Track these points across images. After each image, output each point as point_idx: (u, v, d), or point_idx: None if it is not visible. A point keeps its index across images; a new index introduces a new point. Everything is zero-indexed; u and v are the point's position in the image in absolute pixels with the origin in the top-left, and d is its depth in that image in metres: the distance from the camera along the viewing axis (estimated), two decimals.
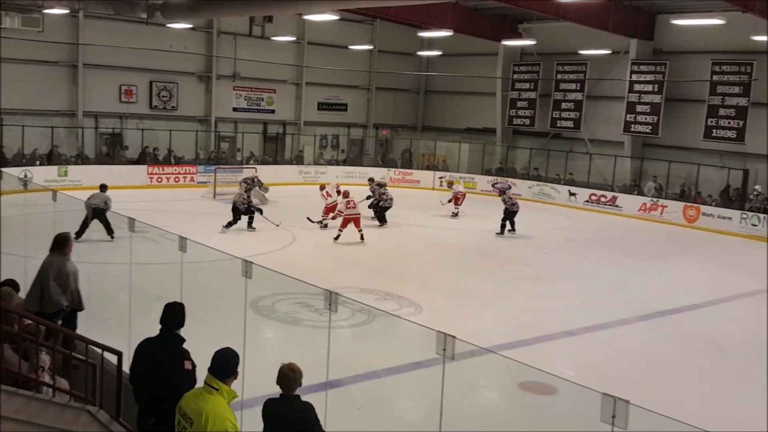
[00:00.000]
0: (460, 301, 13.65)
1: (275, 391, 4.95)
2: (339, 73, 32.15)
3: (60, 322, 7.53)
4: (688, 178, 25.81)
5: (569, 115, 29.64)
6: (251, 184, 23.29)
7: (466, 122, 33.96)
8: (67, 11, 24.23)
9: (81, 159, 26.13)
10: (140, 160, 27.22)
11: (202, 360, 5.11)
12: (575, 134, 29.83)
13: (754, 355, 11.33)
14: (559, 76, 29.84)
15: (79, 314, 8.11)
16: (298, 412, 4.91)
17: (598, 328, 12.38)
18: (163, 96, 28.86)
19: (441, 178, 29.64)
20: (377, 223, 20.81)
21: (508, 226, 20.64)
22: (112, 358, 5.67)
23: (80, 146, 26.58)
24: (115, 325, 8.11)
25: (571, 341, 11.72)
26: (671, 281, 16.41)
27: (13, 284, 7.54)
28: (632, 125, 27.54)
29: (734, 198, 24.49)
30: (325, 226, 19.87)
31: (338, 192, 20.31)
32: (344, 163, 32.64)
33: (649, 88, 26.98)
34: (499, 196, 21.54)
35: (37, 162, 24.72)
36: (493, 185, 29.33)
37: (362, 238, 18.48)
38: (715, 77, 25.23)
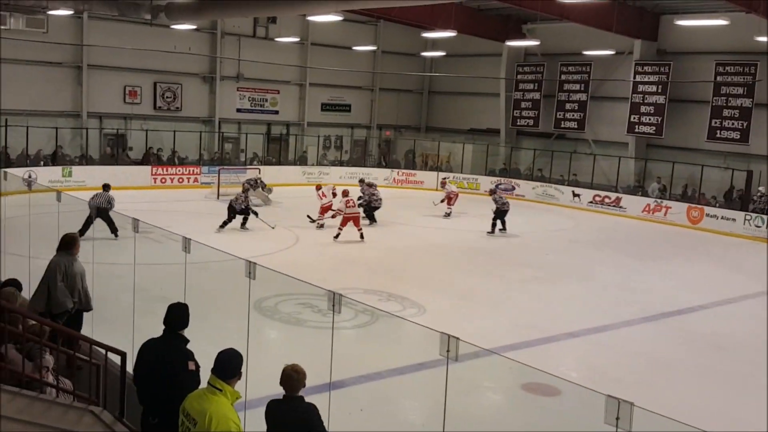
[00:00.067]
0: (463, 302, 13.64)
1: (278, 391, 4.96)
2: (342, 74, 32.17)
3: (61, 323, 7.54)
4: (692, 179, 25.77)
5: (573, 115, 29.62)
6: (254, 185, 23.40)
7: (470, 123, 33.95)
8: (71, 12, 24.31)
9: (85, 160, 26.19)
10: (144, 160, 27.26)
11: (205, 361, 5.11)
12: (579, 135, 29.81)
13: (758, 356, 11.30)
14: (563, 77, 29.82)
15: (84, 315, 8.13)
16: (301, 413, 4.91)
17: (601, 330, 12.37)
18: (167, 97, 28.90)
19: (444, 179, 29.61)
20: (368, 221, 20.99)
21: (499, 225, 20.76)
22: (116, 359, 5.68)
23: (84, 147, 26.64)
24: (118, 325, 8.13)
25: (574, 342, 11.71)
26: (675, 282, 16.39)
27: (15, 284, 7.54)
28: (636, 126, 27.51)
29: (738, 199, 24.44)
30: (322, 225, 20.01)
31: (333, 194, 20.55)
32: (348, 163, 32.65)
33: (653, 88, 26.95)
34: (490, 195, 21.59)
35: (42, 162, 24.77)
36: (496, 186, 29.28)
37: (362, 236, 18.63)
38: (718, 78, 25.20)
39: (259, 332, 10.81)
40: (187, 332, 5.64)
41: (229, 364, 4.80)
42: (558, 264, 17.70)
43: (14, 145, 24.67)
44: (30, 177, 21.00)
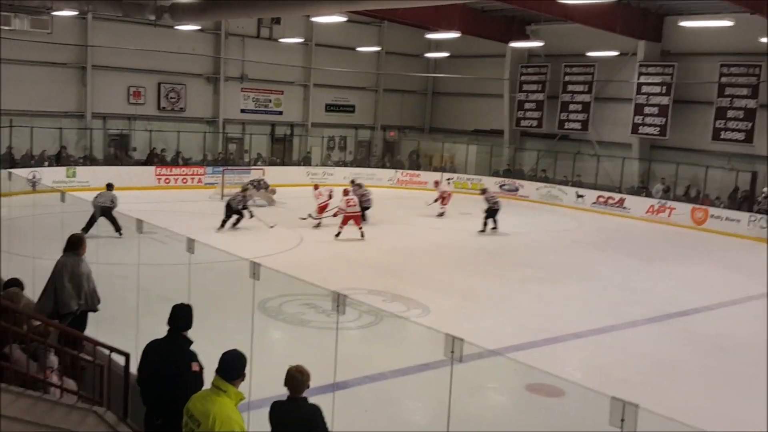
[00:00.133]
0: (466, 302, 13.63)
1: (282, 392, 4.95)
2: (346, 75, 32.18)
3: (65, 323, 7.54)
4: (695, 180, 25.72)
5: (577, 116, 29.59)
6: (258, 186, 23.45)
7: (474, 124, 33.94)
8: (75, 13, 24.33)
9: (89, 160, 26.23)
10: (148, 161, 27.30)
11: (209, 361, 5.11)
12: (583, 136, 29.77)
13: (762, 357, 11.26)
14: (567, 78, 29.79)
15: (88, 315, 8.13)
16: (305, 414, 4.91)
17: (605, 330, 12.35)
18: (171, 97, 28.93)
19: (448, 179, 29.63)
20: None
21: (491, 224, 20.84)
22: (120, 360, 5.68)
23: (89, 147, 26.67)
24: (122, 326, 8.13)
25: (578, 343, 11.69)
26: (678, 283, 16.36)
27: (17, 283, 7.54)
28: (640, 127, 27.47)
29: (742, 200, 24.38)
30: (319, 224, 20.23)
31: (330, 196, 20.73)
32: (352, 164, 32.65)
33: (657, 89, 26.90)
34: (481, 194, 21.62)
35: (46, 163, 24.82)
36: (500, 187, 29.32)
37: (362, 235, 18.84)
38: (723, 79, 25.15)
39: (263, 333, 10.83)
40: (190, 333, 5.64)
41: (233, 365, 4.80)
42: (562, 264, 17.68)
43: (19, 146, 24.73)
44: (34, 177, 21.05)
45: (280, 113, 32.11)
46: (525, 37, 29.78)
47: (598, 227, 24.05)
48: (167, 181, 27.01)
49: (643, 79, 27.26)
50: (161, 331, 5.62)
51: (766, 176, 24.32)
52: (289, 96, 32.22)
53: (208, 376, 4.99)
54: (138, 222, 8.10)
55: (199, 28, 27.61)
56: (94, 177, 23.85)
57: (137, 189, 24.32)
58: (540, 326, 12.22)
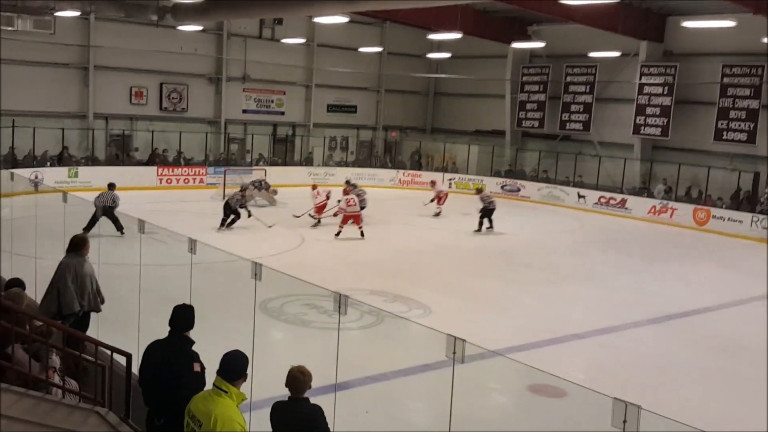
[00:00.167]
0: (468, 303, 13.62)
1: (284, 393, 4.95)
2: (348, 75, 32.20)
3: (68, 324, 7.55)
4: (696, 180, 25.69)
5: (578, 117, 29.57)
6: (259, 186, 23.47)
7: (475, 124, 33.93)
8: (78, 14, 24.35)
9: (91, 160, 26.25)
10: (150, 161, 27.32)
11: (210, 362, 5.11)
12: (584, 136, 29.74)
13: (764, 358, 11.25)
14: (569, 79, 29.78)
15: (90, 315, 8.14)
16: (306, 415, 4.91)
17: (607, 331, 12.34)
18: (173, 98, 28.94)
19: (450, 180, 29.64)
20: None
21: (486, 224, 20.88)
22: (122, 360, 5.68)
23: (90, 148, 26.69)
24: (124, 326, 8.12)
25: (580, 344, 11.68)
26: (681, 284, 16.34)
27: (19, 283, 7.54)
28: (642, 127, 27.44)
29: (744, 201, 24.35)
30: (317, 223, 20.40)
31: (327, 196, 20.80)
32: (353, 164, 32.65)
33: (659, 90, 26.87)
34: (477, 194, 21.64)
35: (48, 163, 24.85)
36: (501, 187, 29.31)
37: (362, 235, 18.93)
38: (725, 79, 25.12)
39: (265, 333, 10.81)
40: (192, 333, 5.64)
41: (234, 366, 4.80)
42: (563, 265, 17.67)
43: (21, 146, 24.75)
44: (36, 178, 21.06)
45: (282, 114, 32.12)
46: (527, 38, 29.77)
47: (599, 228, 24.02)
48: (169, 181, 27.03)
49: (644, 80, 27.23)
50: (163, 331, 5.62)
51: None
52: (291, 96, 32.22)
53: (210, 377, 4.99)
54: (140, 222, 8.10)
55: (201, 28, 27.61)
56: (96, 177, 23.86)
57: (139, 189, 24.34)
58: (542, 327, 12.21)
